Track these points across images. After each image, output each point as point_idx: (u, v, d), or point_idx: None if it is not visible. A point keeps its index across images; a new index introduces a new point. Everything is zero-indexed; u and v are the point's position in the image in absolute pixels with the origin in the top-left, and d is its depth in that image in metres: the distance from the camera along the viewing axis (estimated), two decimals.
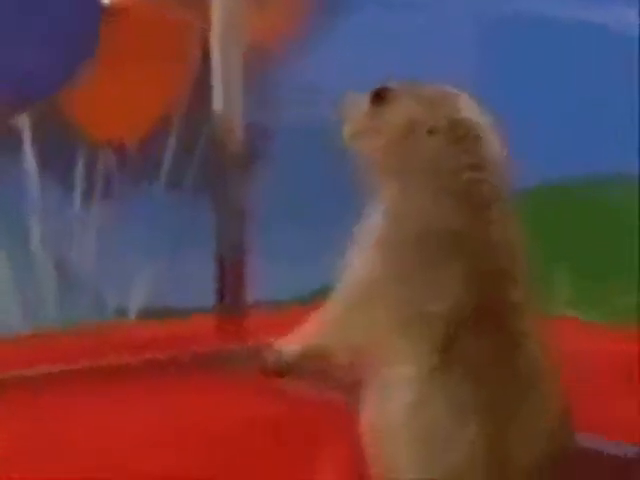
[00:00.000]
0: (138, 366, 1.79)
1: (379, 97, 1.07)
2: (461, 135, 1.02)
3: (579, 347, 1.59)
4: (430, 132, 1.03)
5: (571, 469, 1.03)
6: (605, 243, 2.41)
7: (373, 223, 1.05)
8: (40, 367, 1.75)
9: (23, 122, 2.44)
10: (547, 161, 2.35)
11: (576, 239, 2.44)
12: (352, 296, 1.04)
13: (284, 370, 1.08)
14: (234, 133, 1.91)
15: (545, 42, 2.48)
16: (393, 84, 1.08)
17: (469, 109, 1.05)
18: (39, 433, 1.48)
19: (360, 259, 1.04)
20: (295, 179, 2.40)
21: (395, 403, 1.00)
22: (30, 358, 1.83)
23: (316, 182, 2.18)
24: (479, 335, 0.99)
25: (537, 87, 2.45)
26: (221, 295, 1.90)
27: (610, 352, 1.72)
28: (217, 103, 1.91)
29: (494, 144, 1.04)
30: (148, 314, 2.47)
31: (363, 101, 1.09)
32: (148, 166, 2.54)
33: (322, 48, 2.56)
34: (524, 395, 1.00)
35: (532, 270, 1.04)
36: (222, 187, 1.95)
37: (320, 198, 2.33)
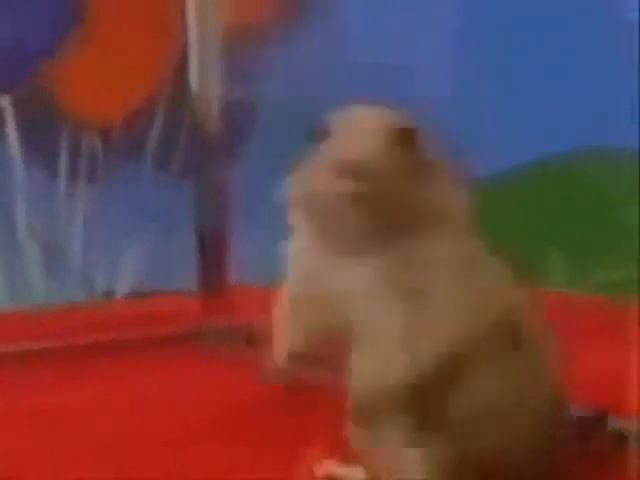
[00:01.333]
0: (123, 343, 1.79)
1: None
2: None
3: (572, 320, 1.59)
4: None
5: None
6: (594, 218, 2.41)
7: None
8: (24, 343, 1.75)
9: (5, 102, 2.44)
10: (537, 137, 2.34)
11: (565, 215, 2.43)
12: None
13: (286, 377, 1.09)
14: (212, 112, 1.88)
15: (533, 15, 2.46)
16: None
17: None
18: (30, 406, 1.47)
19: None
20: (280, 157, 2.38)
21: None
22: (15, 335, 1.83)
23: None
24: None
25: (522, 62, 2.43)
26: (202, 272, 1.89)
27: (603, 323, 1.72)
28: (193, 82, 1.88)
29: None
30: (135, 294, 2.47)
31: None
32: (134, 147, 2.53)
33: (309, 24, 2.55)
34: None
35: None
36: (201, 166, 1.93)
37: None
